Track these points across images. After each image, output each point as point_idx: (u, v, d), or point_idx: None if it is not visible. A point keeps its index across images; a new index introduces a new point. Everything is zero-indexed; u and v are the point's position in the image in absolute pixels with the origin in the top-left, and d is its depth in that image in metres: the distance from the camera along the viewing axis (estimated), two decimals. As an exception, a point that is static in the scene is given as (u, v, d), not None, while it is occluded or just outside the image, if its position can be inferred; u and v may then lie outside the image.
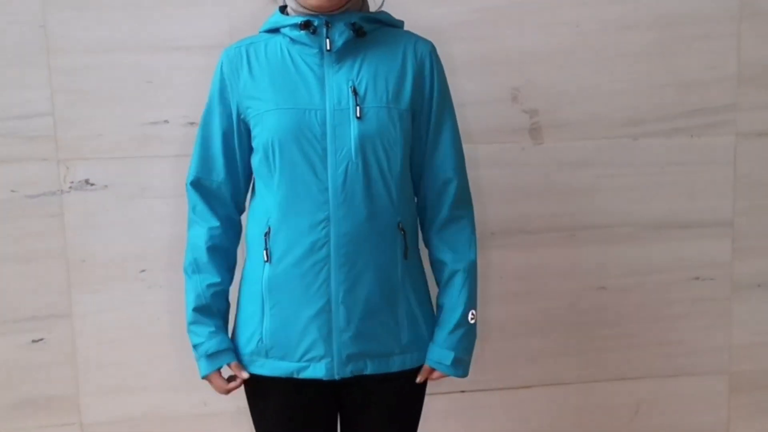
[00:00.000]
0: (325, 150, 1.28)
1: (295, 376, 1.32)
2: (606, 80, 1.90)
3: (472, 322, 1.37)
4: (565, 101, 1.89)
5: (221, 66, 1.37)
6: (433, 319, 1.41)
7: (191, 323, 1.36)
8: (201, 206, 1.38)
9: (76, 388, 1.82)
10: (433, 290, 1.44)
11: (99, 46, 1.74)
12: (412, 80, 1.32)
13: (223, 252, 1.39)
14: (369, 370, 1.32)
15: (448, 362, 1.36)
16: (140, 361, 1.83)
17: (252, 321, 1.35)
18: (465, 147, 1.42)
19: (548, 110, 1.89)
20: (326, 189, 1.28)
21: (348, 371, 1.31)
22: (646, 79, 1.91)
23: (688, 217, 1.98)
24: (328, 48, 1.29)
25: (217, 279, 1.36)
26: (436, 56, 1.37)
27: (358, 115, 1.27)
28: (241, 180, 1.39)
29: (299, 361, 1.31)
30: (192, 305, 1.36)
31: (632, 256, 1.96)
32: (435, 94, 1.35)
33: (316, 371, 1.31)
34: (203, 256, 1.36)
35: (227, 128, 1.36)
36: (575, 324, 1.97)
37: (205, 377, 1.36)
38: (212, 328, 1.33)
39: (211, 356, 1.33)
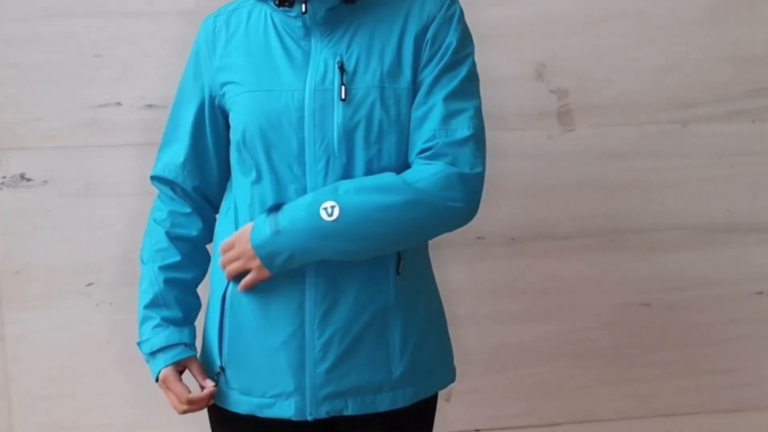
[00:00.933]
0: (302, 141, 1.22)
1: (258, 414, 1.27)
2: (650, 54, 1.86)
3: (325, 216, 1.18)
4: (600, 79, 1.86)
5: (198, 39, 1.34)
6: (442, 347, 1.36)
7: (140, 324, 1.32)
8: (167, 193, 1.36)
9: (8, 427, 1.78)
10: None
11: (36, 11, 1.70)
12: (412, 47, 1.23)
13: (190, 242, 1.35)
14: (350, 410, 1.26)
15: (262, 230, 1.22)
16: (87, 394, 1.79)
17: (213, 344, 1.31)
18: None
19: (580, 90, 1.85)
20: (304, 189, 1.22)
21: (323, 412, 1.25)
22: (699, 53, 1.88)
23: (751, 218, 1.95)
24: (304, 11, 1.22)
25: (175, 258, 1.32)
26: (454, 10, 1.26)
27: (342, 96, 1.20)
28: (214, 174, 1.35)
29: (263, 396, 1.26)
30: (143, 302, 1.32)
31: (683, 266, 1.93)
32: (440, 55, 1.22)
33: (284, 410, 1.26)
34: (162, 240, 1.33)
35: (199, 112, 1.33)
36: (613, 348, 1.93)
37: (159, 380, 1.29)
38: (157, 321, 1.29)
39: (156, 354, 1.29)
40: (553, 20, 1.82)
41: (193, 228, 1.35)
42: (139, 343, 1.31)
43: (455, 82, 1.23)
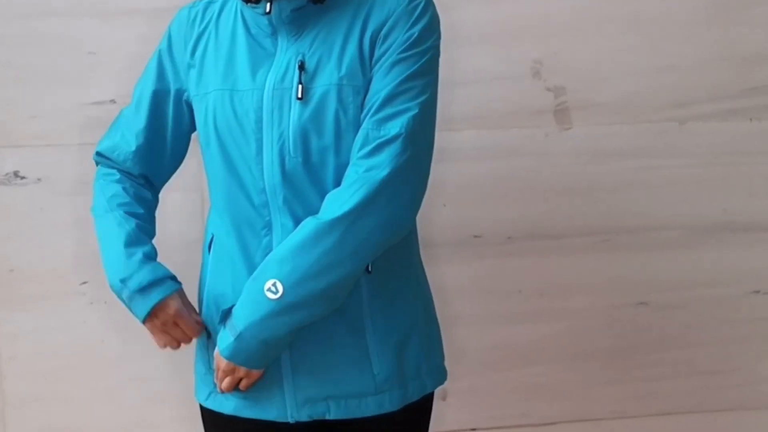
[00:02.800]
0: (260, 141, 1.22)
1: (240, 414, 1.26)
2: (647, 52, 1.86)
3: (271, 296, 1.17)
4: (597, 77, 1.85)
5: (170, 29, 1.34)
6: (431, 347, 1.33)
7: (111, 264, 1.27)
8: (111, 167, 1.36)
9: (2, 427, 1.78)
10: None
11: (30, 9, 1.70)
12: (369, 44, 1.21)
13: (147, 203, 1.34)
14: (332, 414, 1.25)
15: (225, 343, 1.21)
16: (81, 394, 1.78)
17: (205, 350, 1.31)
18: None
19: (577, 88, 1.85)
20: (263, 190, 1.22)
21: (305, 415, 1.25)
22: (696, 52, 1.88)
23: (747, 217, 1.95)
24: (268, 11, 1.22)
25: (140, 210, 1.31)
26: (417, 3, 1.22)
27: (299, 95, 1.20)
28: (165, 165, 1.36)
29: (246, 397, 1.25)
30: (118, 242, 1.26)
31: (679, 266, 1.93)
32: (391, 50, 1.20)
33: (266, 411, 1.25)
34: (122, 195, 1.31)
35: (161, 102, 1.33)
36: (610, 348, 1.93)
37: (147, 320, 1.25)
38: (140, 256, 1.24)
39: (145, 290, 1.24)
40: (550, 17, 1.82)
41: (147, 192, 1.34)
42: (122, 280, 1.24)
43: (401, 78, 1.19)
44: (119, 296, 1.27)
